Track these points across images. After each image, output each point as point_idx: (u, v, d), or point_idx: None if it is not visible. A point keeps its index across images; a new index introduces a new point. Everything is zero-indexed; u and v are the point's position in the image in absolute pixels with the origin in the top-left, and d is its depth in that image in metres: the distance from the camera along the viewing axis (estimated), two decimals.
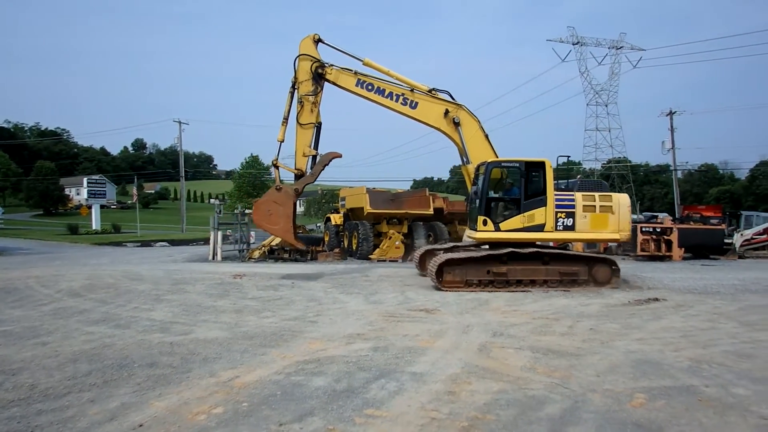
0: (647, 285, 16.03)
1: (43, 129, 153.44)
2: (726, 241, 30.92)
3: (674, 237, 28.22)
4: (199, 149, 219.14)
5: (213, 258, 28.11)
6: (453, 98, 17.72)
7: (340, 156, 18.13)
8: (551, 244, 17.09)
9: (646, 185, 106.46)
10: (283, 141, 17.73)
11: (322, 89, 17.78)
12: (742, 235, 31.78)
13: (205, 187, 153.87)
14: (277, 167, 17.85)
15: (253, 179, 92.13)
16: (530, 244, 15.71)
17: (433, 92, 17.66)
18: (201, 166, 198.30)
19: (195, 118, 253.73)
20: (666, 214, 36.93)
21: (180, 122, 68.71)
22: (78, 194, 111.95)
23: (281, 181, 18.04)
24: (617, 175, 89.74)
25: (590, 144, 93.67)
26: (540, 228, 15.49)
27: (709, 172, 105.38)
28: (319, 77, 17.62)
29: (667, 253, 28.14)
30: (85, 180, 78.12)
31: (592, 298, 13.83)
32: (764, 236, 32.04)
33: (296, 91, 17.66)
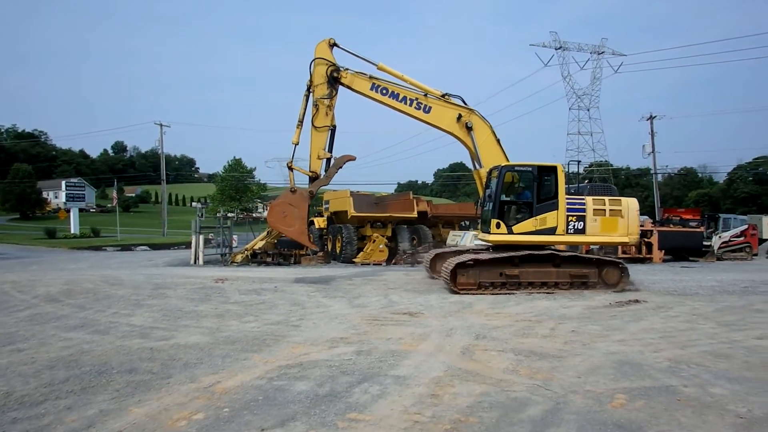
0: (628, 287, 16.14)
1: (20, 131, 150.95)
2: (705, 243, 31.28)
3: (654, 239, 28.55)
4: (181, 152, 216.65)
5: (195, 262, 27.93)
6: (465, 103, 17.89)
7: (354, 159, 18.25)
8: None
9: (627, 188, 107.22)
10: (297, 144, 17.77)
11: (337, 93, 17.85)
12: (720, 237, 32.16)
13: (187, 190, 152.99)
14: (291, 170, 17.86)
15: (236, 182, 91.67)
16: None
17: (446, 97, 17.80)
18: (183, 169, 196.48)
19: (177, 121, 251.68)
20: (646, 217, 37.24)
21: (161, 125, 68.06)
22: (56, 198, 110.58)
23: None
24: (599, 179, 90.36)
25: (572, 148, 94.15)
26: (552, 231, 15.64)
27: (688, 176, 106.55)
28: (334, 81, 17.67)
29: (648, 256, 28.47)
30: (63, 183, 77.51)
31: (574, 300, 13.91)
32: (742, 238, 32.49)
33: (311, 94, 17.74)
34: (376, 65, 17.97)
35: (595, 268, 15.62)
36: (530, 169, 15.89)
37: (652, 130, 56.88)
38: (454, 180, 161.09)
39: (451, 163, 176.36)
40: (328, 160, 17.82)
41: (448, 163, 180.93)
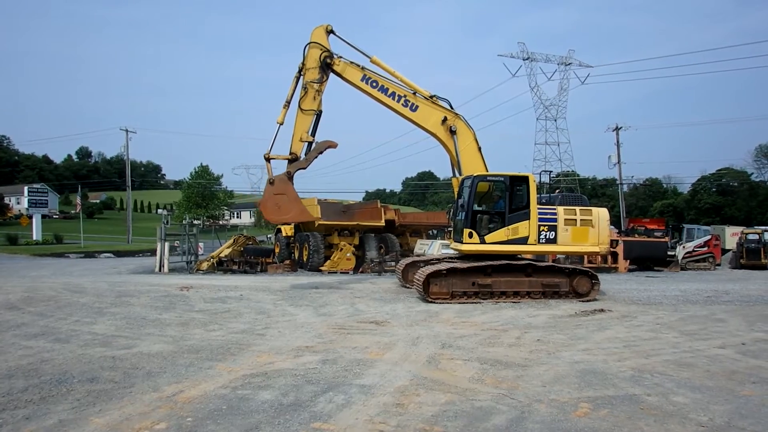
0: (593, 296, 16.32)
1: None
2: (669, 253, 31.77)
3: (620, 249, 28.91)
4: (147, 158, 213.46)
5: (159, 270, 27.57)
6: (452, 107, 18.04)
7: (336, 146, 18.21)
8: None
9: (594, 198, 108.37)
10: (282, 123, 17.72)
11: (327, 78, 17.95)
12: (684, 247, 32.68)
13: (153, 197, 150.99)
14: (269, 160, 17.68)
15: (203, 190, 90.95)
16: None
17: (434, 99, 17.97)
18: (148, 176, 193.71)
19: (143, 127, 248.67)
20: (612, 227, 37.76)
21: (127, 130, 67.21)
22: (18, 203, 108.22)
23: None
24: (566, 189, 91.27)
25: (540, 158, 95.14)
26: (524, 241, 15.79)
27: (653, 187, 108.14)
28: (326, 67, 17.76)
29: (613, 265, 28.84)
30: (25, 189, 75.77)
31: (540, 309, 14.02)
32: (705, 249, 33.05)
33: (302, 77, 17.78)
34: (369, 58, 18.12)
35: (566, 278, 15.77)
36: (502, 179, 16.02)
37: (617, 141, 57.77)
38: (422, 189, 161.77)
39: (420, 172, 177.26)
40: (310, 144, 17.81)
41: (416, 172, 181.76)
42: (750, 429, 5.66)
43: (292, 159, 17.58)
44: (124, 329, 10.97)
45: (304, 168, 17.88)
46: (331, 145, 18.09)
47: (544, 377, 7.48)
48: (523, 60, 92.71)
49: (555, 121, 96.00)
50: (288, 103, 17.60)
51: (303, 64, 17.70)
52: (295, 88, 17.72)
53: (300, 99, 17.55)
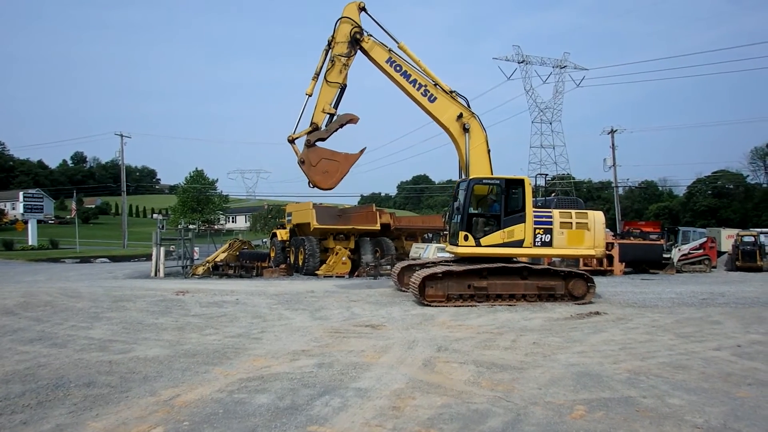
0: (589, 299, 16.35)
1: None
2: (665, 255, 31.79)
3: (615, 252, 28.93)
4: (142, 163, 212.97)
5: (155, 274, 27.51)
6: (469, 106, 18.20)
7: (357, 120, 18.36)
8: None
9: (589, 201, 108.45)
10: (311, 95, 18.06)
11: (355, 54, 18.24)
12: (679, 250, 32.74)
13: (148, 201, 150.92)
14: (292, 142, 17.90)
15: (198, 194, 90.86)
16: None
17: (454, 94, 18.16)
18: (143, 181, 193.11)
19: (138, 132, 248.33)
20: (608, 230, 37.82)
21: (122, 135, 67.18)
22: (14, 209, 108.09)
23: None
24: (561, 192, 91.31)
25: (535, 161, 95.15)
26: (519, 244, 15.79)
27: (648, 189, 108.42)
28: (355, 42, 18.03)
29: (609, 268, 28.84)
30: (21, 194, 75.88)
31: (536, 312, 14.04)
32: (701, 251, 33.11)
33: (330, 50, 18.06)
34: (397, 43, 18.40)
35: (562, 281, 15.79)
36: (498, 182, 16.06)
37: (612, 144, 57.91)
38: (417, 192, 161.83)
39: (414, 176, 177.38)
40: (331, 116, 17.99)
41: (411, 176, 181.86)
42: (745, 431, 5.69)
43: (313, 129, 17.77)
44: (120, 334, 10.96)
45: (324, 139, 18.07)
46: (353, 119, 18.25)
47: (540, 380, 7.50)
48: (518, 63, 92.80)
49: (550, 123, 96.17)
50: (317, 75, 18.00)
51: (333, 37, 18.03)
52: (324, 60, 18.03)
53: (327, 71, 17.90)
